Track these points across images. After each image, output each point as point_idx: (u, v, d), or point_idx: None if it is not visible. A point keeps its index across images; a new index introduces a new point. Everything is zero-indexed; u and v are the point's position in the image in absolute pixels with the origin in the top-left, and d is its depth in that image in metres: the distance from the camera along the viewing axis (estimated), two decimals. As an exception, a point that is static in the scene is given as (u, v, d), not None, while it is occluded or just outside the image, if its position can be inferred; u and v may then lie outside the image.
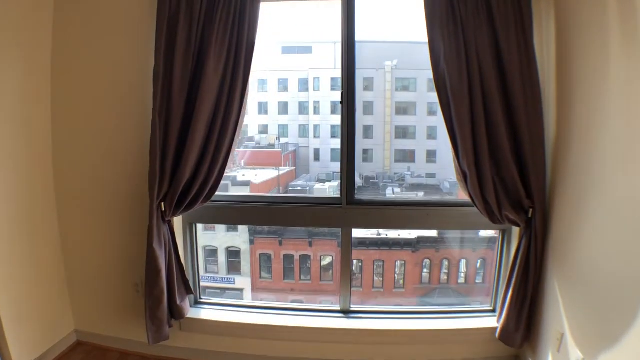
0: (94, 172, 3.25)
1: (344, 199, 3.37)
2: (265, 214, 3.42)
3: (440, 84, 2.77)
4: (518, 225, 2.90)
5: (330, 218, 3.40)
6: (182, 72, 2.78)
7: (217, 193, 3.08)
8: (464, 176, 2.82)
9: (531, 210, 2.79)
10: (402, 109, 11.36)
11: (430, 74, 2.76)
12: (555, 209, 2.76)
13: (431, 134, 8.60)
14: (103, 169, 3.23)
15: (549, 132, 2.77)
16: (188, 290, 3.28)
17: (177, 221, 3.32)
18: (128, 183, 3.17)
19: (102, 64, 3.09)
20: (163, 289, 2.98)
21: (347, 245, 3.48)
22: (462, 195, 3.02)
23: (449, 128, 2.79)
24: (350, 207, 3.35)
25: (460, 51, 2.68)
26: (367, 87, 12.74)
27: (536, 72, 2.64)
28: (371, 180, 12.20)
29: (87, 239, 3.37)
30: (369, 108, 13.18)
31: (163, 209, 2.92)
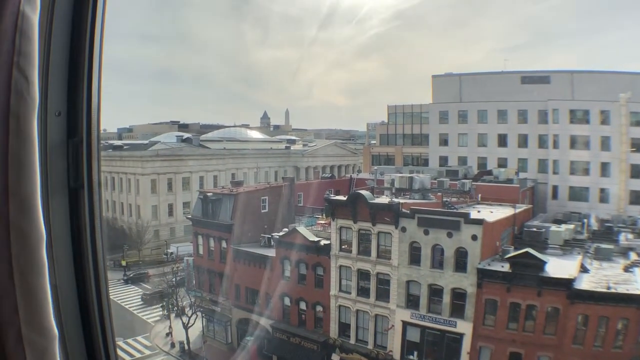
0: None
1: None
2: None
3: None
4: None
5: None
6: None
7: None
8: None
9: None
10: (638, 146, 11.53)
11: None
12: None
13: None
14: None
15: None
16: None
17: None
18: None
19: None
20: None
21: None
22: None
23: None
24: None
25: None
26: (604, 121, 13.42)
27: None
28: (606, 224, 12.70)
29: None
30: (605, 144, 13.96)
31: None
